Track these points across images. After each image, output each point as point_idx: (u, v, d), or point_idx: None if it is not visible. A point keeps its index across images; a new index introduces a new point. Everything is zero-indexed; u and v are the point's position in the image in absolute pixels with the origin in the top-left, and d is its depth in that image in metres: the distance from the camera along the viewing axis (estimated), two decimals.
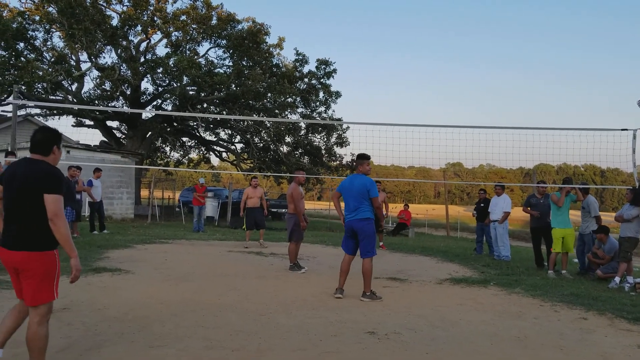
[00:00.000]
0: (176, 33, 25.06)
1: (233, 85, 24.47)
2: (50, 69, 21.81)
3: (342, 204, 7.42)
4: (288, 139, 27.46)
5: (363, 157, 7.29)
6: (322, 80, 27.81)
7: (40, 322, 3.53)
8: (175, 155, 33.07)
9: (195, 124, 28.09)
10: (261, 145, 27.93)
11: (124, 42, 24.43)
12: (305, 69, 27.69)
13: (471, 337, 5.30)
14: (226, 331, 5.16)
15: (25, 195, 3.48)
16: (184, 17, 24.67)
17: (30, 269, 3.48)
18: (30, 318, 3.55)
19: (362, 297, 6.92)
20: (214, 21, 25.13)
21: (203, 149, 32.31)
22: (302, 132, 28.00)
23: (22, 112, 24.42)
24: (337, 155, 28.66)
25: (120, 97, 26.20)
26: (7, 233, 3.56)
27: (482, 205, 13.10)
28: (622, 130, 9.24)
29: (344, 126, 27.62)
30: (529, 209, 10.97)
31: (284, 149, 27.42)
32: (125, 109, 26.43)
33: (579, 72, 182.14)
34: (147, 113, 27.24)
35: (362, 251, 7.05)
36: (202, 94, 25.45)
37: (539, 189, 11.11)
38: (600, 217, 9.94)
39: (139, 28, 24.34)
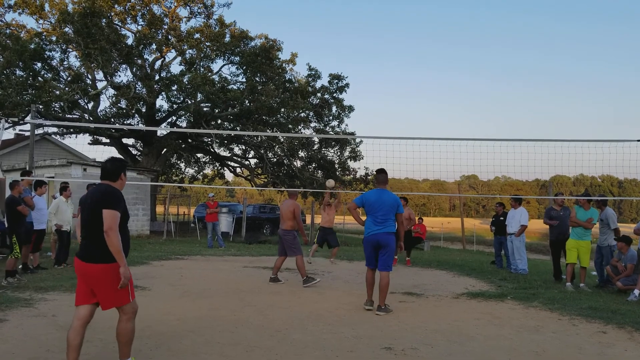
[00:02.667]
0: (190, 51, 25.36)
1: (247, 101, 24.64)
2: (66, 88, 22.15)
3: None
4: (301, 154, 27.53)
5: (383, 172, 7.44)
6: (334, 94, 27.93)
7: (128, 319, 4.12)
8: (190, 171, 33.35)
9: (209, 140, 28.30)
10: (275, 160, 28.03)
11: (139, 61, 24.79)
12: (318, 84, 27.83)
13: (489, 352, 5.25)
14: (243, 347, 5.17)
15: (93, 214, 4.02)
16: (197, 35, 24.98)
17: (104, 280, 4.00)
18: (120, 317, 4.12)
19: (378, 312, 6.92)
20: (227, 38, 25.40)
21: (217, 164, 32.51)
22: (316, 146, 28.07)
23: (39, 131, 24.86)
24: (351, 169, 28.68)
25: (136, 115, 26.49)
26: (82, 247, 4.14)
27: (501, 218, 13.00)
28: (638, 141, 9.21)
29: (357, 140, 27.69)
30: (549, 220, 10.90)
31: (298, 163, 27.46)
32: (141, 126, 26.73)
33: (587, 82, 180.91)
34: (162, 130, 27.53)
35: (381, 264, 7.08)
36: (216, 110, 25.66)
37: (557, 200, 11.02)
38: (619, 229, 9.80)
39: (153, 46, 24.69)
